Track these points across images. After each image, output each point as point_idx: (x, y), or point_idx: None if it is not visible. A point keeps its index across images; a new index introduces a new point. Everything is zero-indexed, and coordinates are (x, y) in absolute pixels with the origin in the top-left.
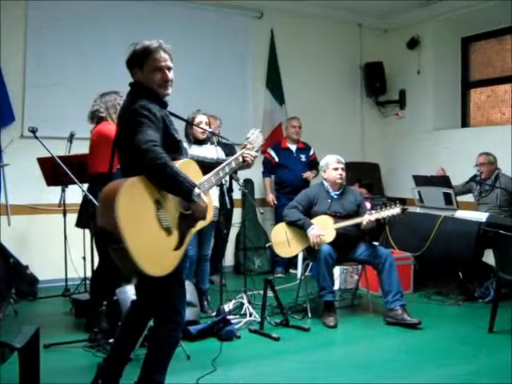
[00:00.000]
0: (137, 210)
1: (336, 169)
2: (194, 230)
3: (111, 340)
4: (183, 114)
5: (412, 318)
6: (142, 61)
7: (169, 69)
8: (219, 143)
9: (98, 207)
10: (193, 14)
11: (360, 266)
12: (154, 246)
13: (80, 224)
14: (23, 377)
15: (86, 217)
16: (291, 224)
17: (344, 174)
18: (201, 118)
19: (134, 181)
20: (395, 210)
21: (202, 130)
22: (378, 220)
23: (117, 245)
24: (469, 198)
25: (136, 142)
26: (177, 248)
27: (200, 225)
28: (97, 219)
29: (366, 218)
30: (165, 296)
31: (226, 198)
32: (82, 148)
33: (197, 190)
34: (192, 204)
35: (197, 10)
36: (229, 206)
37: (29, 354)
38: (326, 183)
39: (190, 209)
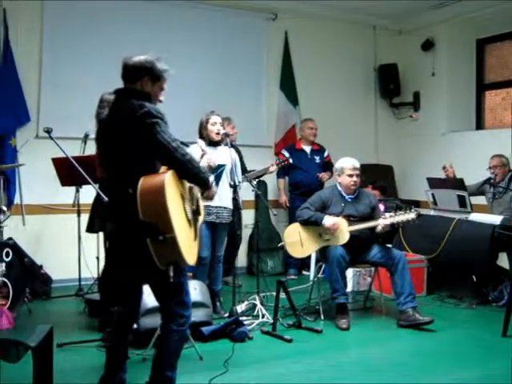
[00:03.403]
0: (176, 202)
1: (351, 175)
2: (198, 225)
3: None
4: (197, 115)
5: (424, 317)
6: (158, 77)
7: None
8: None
9: (140, 202)
10: (207, 15)
11: (373, 269)
12: (187, 236)
13: (93, 229)
14: (37, 375)
15: (100, 218)
16: (305, 222)
17: (359, 180)
18: (215, 119)
19: (170, 174)
20: (410, 215)
21: (216, 131)
22: (392, 224)
23: (163, 235)
24: (483, 200)
25: (162, 141)
26: (194, 239)
27: (200, 220)
28: (137, 214)
29: (382, 223)
30: (173, 291)
31: (240, 200)
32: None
33: (211, 178)
34: (208, 190)
35: (211, 12)
36: (242, 208)
37: (42, 353)
38: (339, 187)
39: (204, 196)
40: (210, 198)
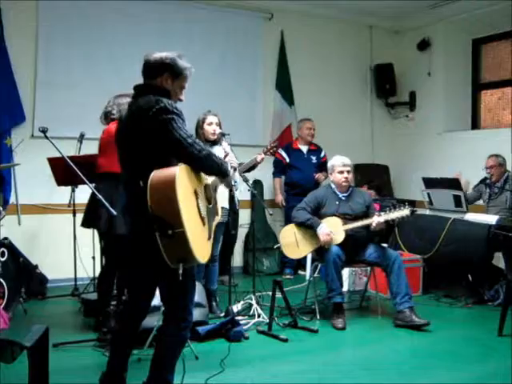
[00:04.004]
0: (188, 197)
1: (341, 172)
2: (213, 225)
3: None
4: (193, 115)
5: (420, 319)
6: (178, 74)
7: None
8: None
9: (149, 195)
10: (203, 14)
11: (369, 268)
12: (199, 234)
13: (85, 223)
14: (32, 376)
15: (93, 216)
16: (300, 225)
17: (350, 176)
18: (211, 119)
19: (182, 168)
20: (404, 212)
21: (212, 131)
22: (387, 221)
23: (172, 230)
24: (479, 200)
25: (178, 137)
26: (208, 239)
27: (216, 220)
28: (146, 207)
29: (376, 220)
30: (179, 294)
31: (236, 200)
32: (91, 148)
33: (228, 167)
34: (226, 179)
35: (207, 11)
36: (238, 208)
37: (38, 353)
38: (333, 185)
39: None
40: (228, 184)
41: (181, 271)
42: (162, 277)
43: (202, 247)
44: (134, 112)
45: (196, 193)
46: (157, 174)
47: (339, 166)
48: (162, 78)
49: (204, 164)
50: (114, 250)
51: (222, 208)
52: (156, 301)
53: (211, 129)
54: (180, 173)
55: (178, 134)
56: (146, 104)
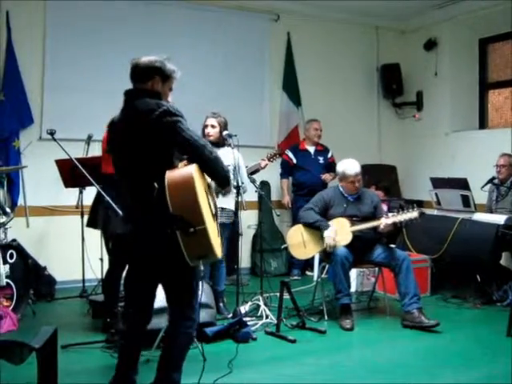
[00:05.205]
0: (203, 195)
1: (353, 182)
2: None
3: None
4: (199, 117)
5: (429, 321)
6: (168, 77)
7: None
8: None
9: (169, 196)
10: (209, 16)
11: (377, 269)
12: (214, 230)
13: (87, 223)
14: (41, 377)
15: (94, 216)
16: (308, 226)
17: (360, 183)
18: (206, 122)
19: (195, 168)
20: (413, 214)
21: (211, 134)
22: (394, 223)
23: (194, 228)
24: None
25: (189, 139)
26: (218, 235)
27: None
28: (165, 208)
29: (383, 222)
30: (185, 293)
31: (244, 201)
32: (99, 150)
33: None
34: (228, 187)
35: (214, 13)
36: (245, 208)
37: (47, 355)
38: (341, 188)
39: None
40: (228, 192)
41: (202, 267)
42: (168, 277)
43: (217, 243)
44: (130, 116)
45: (205, 191)
46: (172, 175)
47: (352, 176)
48: (153, 81)
49: (214, 165)
50: (116, 250)
51: (225, 209)
52: (164, 302)
53: (206, 131)
54: (195, 172)
55: (188, 136)
56: (146, 107)
